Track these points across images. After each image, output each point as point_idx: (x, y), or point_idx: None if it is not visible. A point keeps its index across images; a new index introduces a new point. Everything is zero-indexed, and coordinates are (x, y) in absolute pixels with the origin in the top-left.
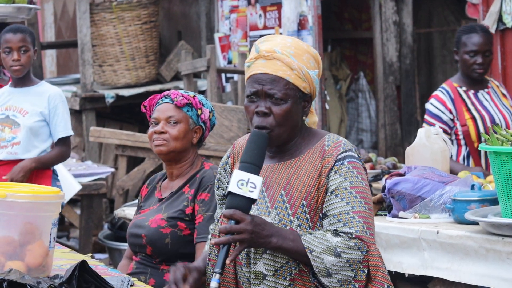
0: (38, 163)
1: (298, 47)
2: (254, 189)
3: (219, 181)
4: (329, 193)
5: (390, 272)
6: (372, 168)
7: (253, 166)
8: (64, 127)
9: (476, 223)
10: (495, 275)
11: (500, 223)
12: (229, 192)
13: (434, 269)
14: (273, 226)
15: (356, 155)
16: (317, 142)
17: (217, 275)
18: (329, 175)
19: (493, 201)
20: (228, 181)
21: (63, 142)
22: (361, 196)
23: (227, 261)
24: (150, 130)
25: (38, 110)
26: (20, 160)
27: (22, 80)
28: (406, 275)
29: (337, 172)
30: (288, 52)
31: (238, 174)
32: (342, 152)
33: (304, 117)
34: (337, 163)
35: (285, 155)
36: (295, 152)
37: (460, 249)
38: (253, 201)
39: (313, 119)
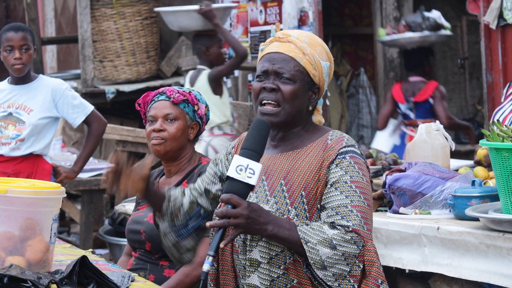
0: (81, 164)
1: (313, 39)
2: (253, 175)
3: (216, 161)
4: (328, 186)
5: (390, 268)
6: (373, 164)
7: (253, 152)
8: (79, 111)
9: (476, 219)
10: (495, 271)
11: (500, 219)
12: (228, 177)
13: (435, 265)
14: (269, 214)
15: (359, 152)
16: (321, 136)
17: (210, 258)
18: (330, 168)
19: (494, 197)
20: (226, 167)
21: (87, 122)
22: (360, 191)
23: (221, 245)
24: (148, 128)
25: (43, 107)
26: (22, 156)
27: (22, 77)
28: (407, 271)
29: (338, 165)
30: (303, 40)
31: (238, 160)
32: (345, 147)
33: (310, 108)
34: (338, 157)
35: (287, 146)
36: (298, 144)
37: (461, 245)
38: (251, 187)
39: (318, 118)
